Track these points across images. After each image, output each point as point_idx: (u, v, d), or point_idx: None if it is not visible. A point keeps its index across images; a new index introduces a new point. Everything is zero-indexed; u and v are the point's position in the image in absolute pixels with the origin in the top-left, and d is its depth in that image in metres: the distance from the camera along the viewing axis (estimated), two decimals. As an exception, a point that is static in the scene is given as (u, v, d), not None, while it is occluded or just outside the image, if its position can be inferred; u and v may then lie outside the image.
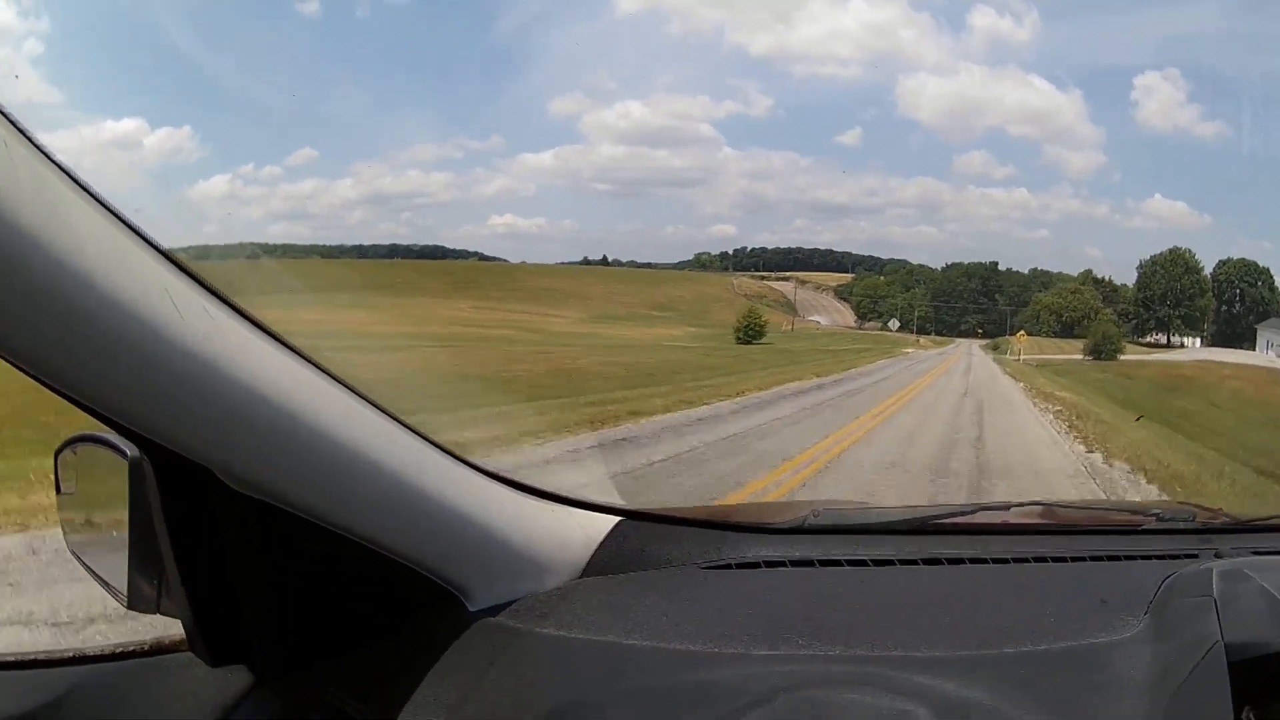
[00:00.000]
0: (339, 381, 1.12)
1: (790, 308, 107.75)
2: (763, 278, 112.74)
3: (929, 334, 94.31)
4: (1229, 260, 67.16)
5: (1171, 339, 70.14)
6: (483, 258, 70.49)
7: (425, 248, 67.39)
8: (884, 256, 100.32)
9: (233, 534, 1.16)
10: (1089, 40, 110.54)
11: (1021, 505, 1.92)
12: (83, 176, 0.88)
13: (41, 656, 1.38)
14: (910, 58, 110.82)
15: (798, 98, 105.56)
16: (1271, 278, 65.71)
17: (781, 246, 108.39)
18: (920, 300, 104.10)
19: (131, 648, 1.37)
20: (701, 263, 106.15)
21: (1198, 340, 64.19)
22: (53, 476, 1.42)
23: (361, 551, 1.18)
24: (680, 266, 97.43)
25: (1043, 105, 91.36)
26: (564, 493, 1.53)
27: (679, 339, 51.08)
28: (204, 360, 0.93)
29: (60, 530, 1.48)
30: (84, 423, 1.05)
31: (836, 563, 1.51)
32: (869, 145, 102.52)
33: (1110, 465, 12.22)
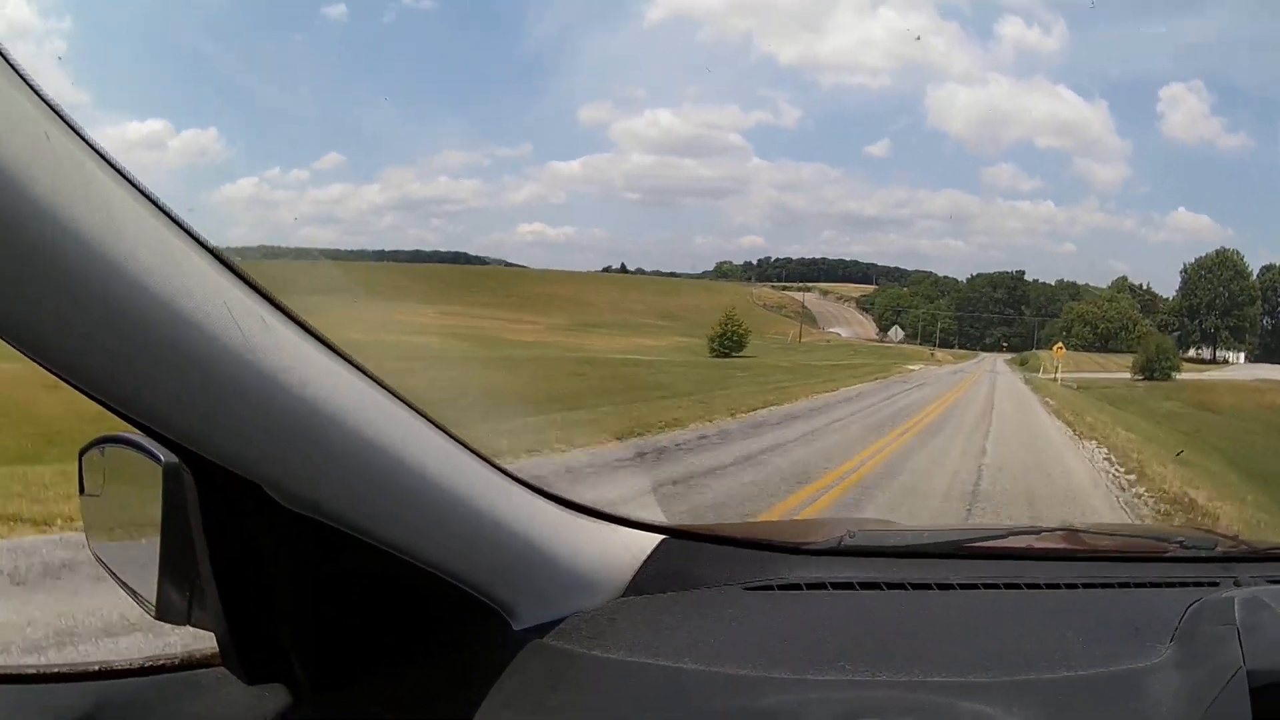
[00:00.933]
0: (394, 394, 1.06)
1: (810, 319, 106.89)
2: (784, 288, 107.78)
3: (952, 347, 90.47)
4: (1273, 266, 59.78)
5: (1217, 353, 60.83)
6: (506, 265, 68.08)
7: (449, 254, 66.16)
8: (911, 269, 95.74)
9: (275, 546, 1.10)
10: (1115, 50, 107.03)
11: (1050, 530, 1.91)
12: (131, 172, 0.82)
13: (66, 670, 1.31)
14: (939, 67, 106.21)
15: (826, 107, 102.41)
16: (1318, 284, 58.90)
17: (807, 257, 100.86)
18: (944, 312, 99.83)
19: (161, 661, 1.29)
20: (723, 272, 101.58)
21: (1241, 354, 57.84)
22: (77, 477, 1.33)
23: (407, 567, 1.13)
24: (704, 277, 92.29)
25: (1071, 116, 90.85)
26: (608, 510, 1.48)
27: (654, 350, 47.01)
28: (259, 372, 0.89)
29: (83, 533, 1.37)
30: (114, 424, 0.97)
31: (877, 586, 1.48)
32: (898, 156, 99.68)
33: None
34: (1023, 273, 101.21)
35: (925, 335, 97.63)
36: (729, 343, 49.60)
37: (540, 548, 1.29)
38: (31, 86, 0.76)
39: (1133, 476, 11.60)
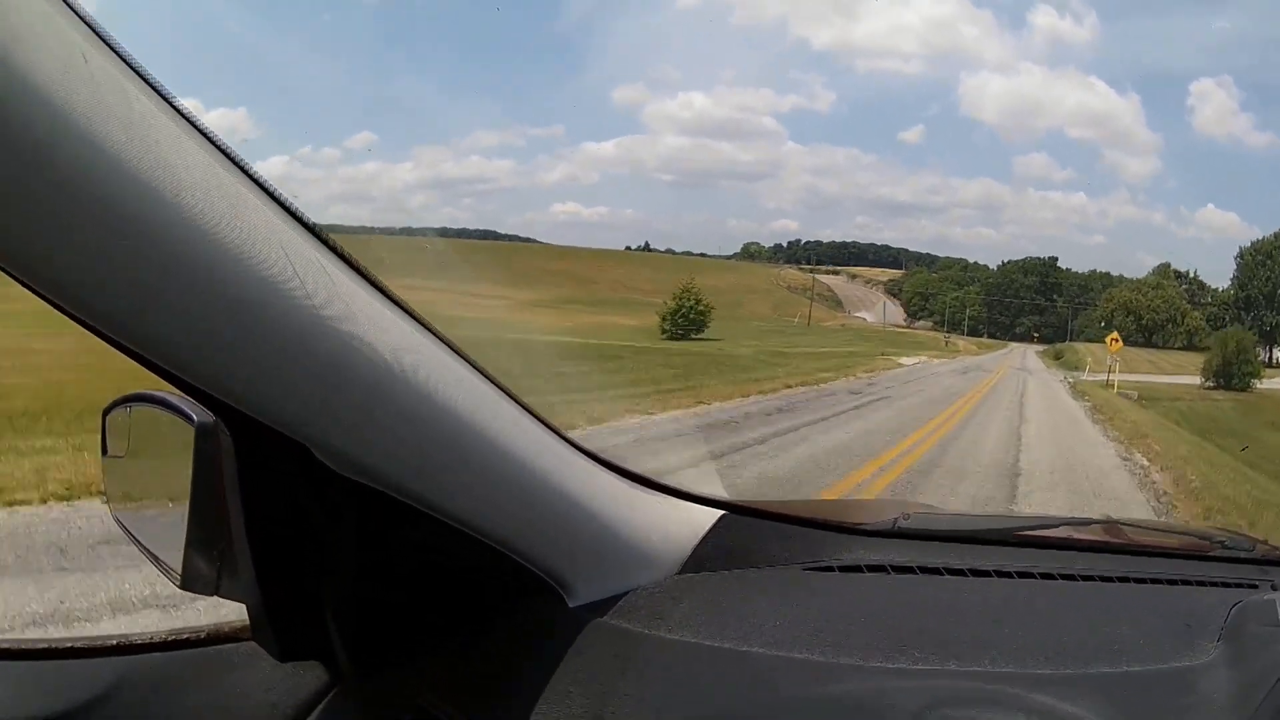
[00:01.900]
0: (458, 353, 1.00)
1: (836, 302, 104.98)
2: (812, 270, 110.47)
3: (980, 335, 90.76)
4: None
5: (1273, 354, 52.26)
6: (523, 240, 68.08)
7: (478, 232, 67.61)
8: (941, 256, 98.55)
9: (320, 513, 1.04)
10: (1147, 42, 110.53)
11: (1094, 521, 1.87)
12: (176, 98, 0.76)
13: (83, 644, 1.21)
14: (972, 54, 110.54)
15: (861, 93, 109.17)
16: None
17: (837, 240, 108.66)
18: (973, 298, 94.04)
19: (185, 635, 1.21)
20: (750, 253, 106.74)
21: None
22: (100, 438, 1.26)
23: (462, 540, 1.07)
24: (734, 259, 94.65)
25: (1102, 108, 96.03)
26: (671, 482, 1.42)
27: (613, 331, 41.62)
28: (317, 323, 0.82)
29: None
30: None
31: (937, 571, 1.43)
32: (931, 143, 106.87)
33: None
34: (1055, 259, 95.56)
35: (954, 322, 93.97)
36: (684, 323, 42.85)
37: (603, 520, 1.21)
38: (68, 3, 0.69)
39: None
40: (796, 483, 9.73)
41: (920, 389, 24.34)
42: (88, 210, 0.66)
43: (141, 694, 1.16)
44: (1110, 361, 33.40)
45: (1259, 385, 35.31)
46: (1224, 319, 61.93)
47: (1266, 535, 1.78)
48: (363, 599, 1.09)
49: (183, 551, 1.00)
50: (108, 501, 1.26)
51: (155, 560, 1.10)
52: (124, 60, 0.71)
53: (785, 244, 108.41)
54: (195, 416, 0.96)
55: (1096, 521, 1.86)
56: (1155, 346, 60.40)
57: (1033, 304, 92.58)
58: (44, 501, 6.51)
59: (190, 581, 1.01)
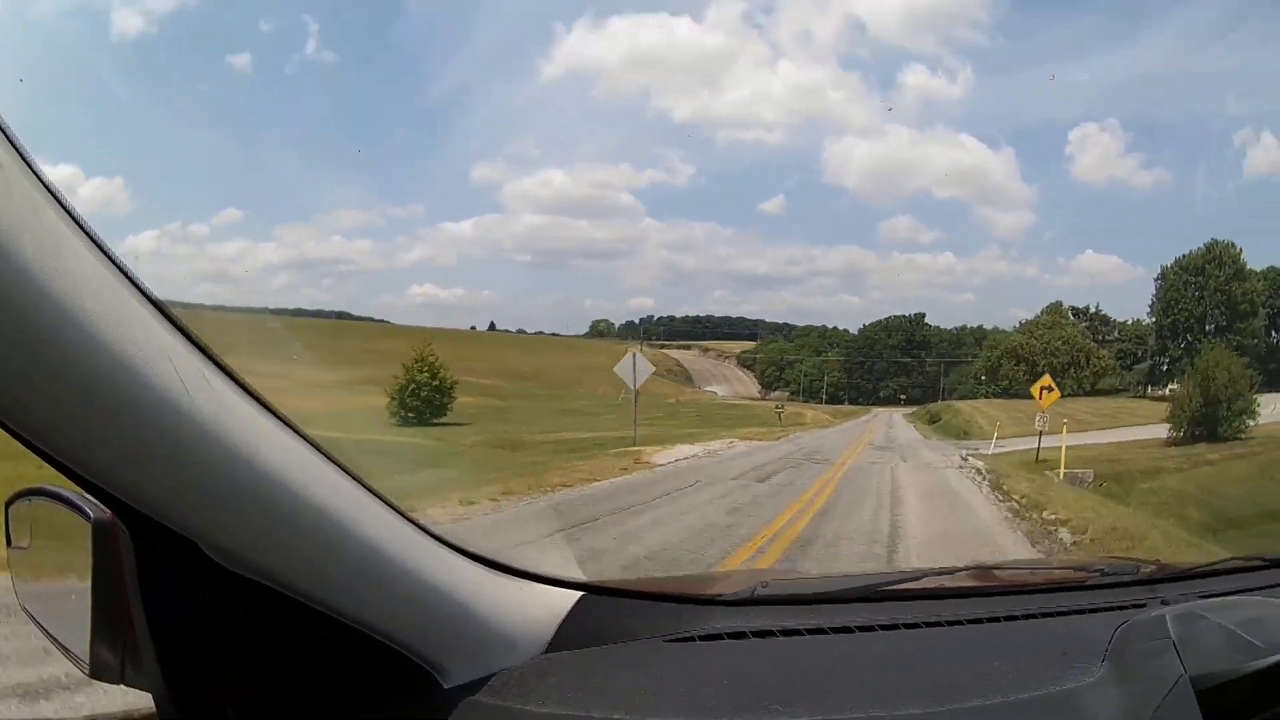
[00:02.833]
0: (327, 456, 1.06)
1: (686, 377, 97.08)
2: (663, 346, 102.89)
3: (841, 402, 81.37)
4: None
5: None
6: (387, 325, 66.51)
7: (332, 313, 65.98)
8: (801, 325, 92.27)
9: (212, 605, 1.07)
10: (1024, 95, 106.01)
11: (966, 569, 1.91)
12: (79, 212, 0.80)
13: None
14: (837, 120, 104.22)
15: (721, 165, 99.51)
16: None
17: (691, 315, 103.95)
18: (832, 364, 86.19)
19: (101, 718, 1.32)
20: (599, 331, 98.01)
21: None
22: (3, 528, 1.29)
23: (341, 628, 1.12)
24: (586, 337, 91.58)
25: (973, 164, 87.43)
26: (528, 567, 1.47)
27: (354, 415, 32.15)
28: (200, 429, 0.86)
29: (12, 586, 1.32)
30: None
31: (796, 632, 1.46)
32: (792, 213, 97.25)
33: None
34: (923, 315, 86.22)
35: (812, 391, 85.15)
36: (421, 404, 30.42)
37: (465, 606, 1.26)
38: None
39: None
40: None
41: (637, 527, 11.29)
42: None
43: None
44: (1039, 422, 21.05)
45: (1253, 424, 22.78)
46: (1136, 354, 51.81)
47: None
48: (259, 683, 1.12)
49: (89, 642, 1.05)
50: (16, 591, 1.26)
51: (63, 649, 1.15)
52: (37, 176, 0.76)
53: (638, 320, 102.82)
54: (91, 514, 1.01)
55: (966, 569, 1.89)
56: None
57: (898, 364, 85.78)
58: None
59: (97, 670, 1.07)
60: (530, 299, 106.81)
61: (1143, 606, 1.48)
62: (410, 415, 31.90)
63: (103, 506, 0.99)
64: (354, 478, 1.09)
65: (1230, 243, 41.43)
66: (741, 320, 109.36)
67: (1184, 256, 43.17)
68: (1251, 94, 77.72)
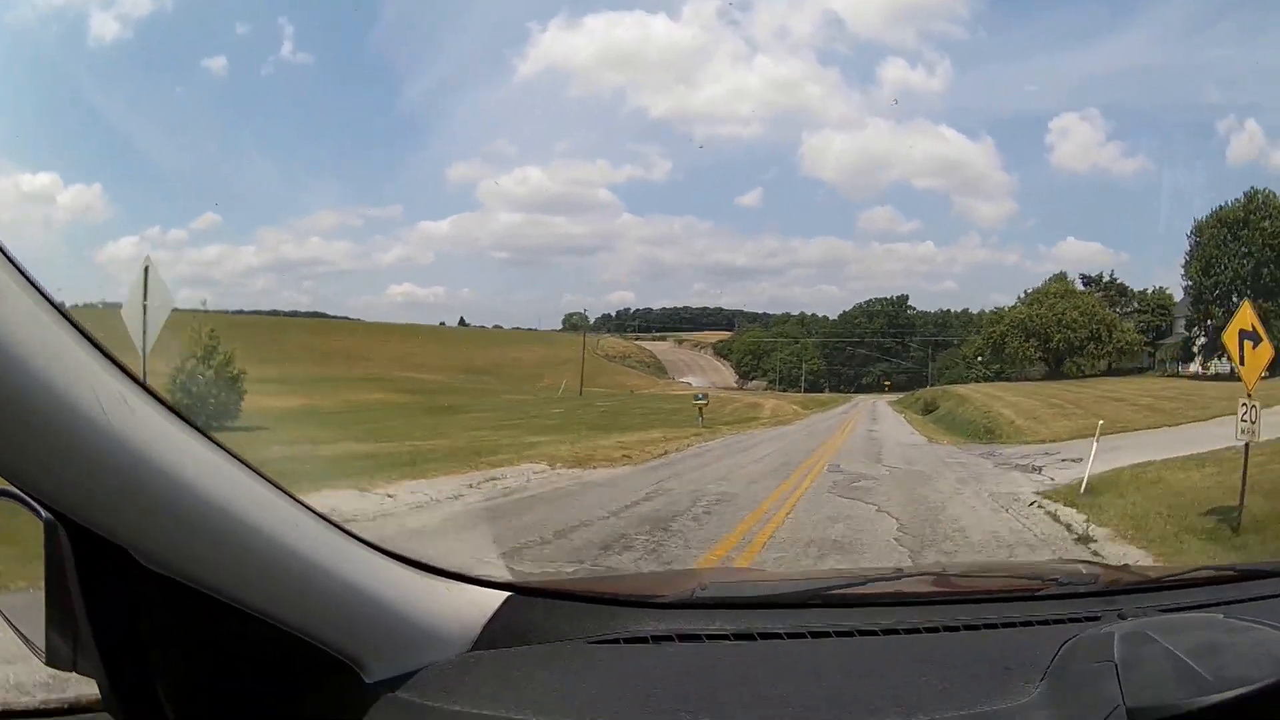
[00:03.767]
0: (243, 463, 1.09)
1: (659, 368, 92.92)
2: (637, 338, 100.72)
3: (821, 390, 75.64)
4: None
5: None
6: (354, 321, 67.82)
7: (308, 313, 66.66)
8: (779, 314, 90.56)
9: (146, 603, 1.10)
10: (1004, 86, 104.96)
11: (914, 575, 1.88)
12: (8, 248, 0.85)
13: None
14: (815, 114, 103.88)
15: (698, 159, 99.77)
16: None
17: (668, 307, 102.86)
18: (811, 352, 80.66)
19: (53, 705, 1.35)
20: (574, 324, 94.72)
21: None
22: None
23: (265, 625, 1.15)
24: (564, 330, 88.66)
25: (953, 156, 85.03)
26: (454, 568, 1.45)
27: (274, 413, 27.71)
28: (117, 446, 0.91)
29: None
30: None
31: (724, 637, 1.42)
32: (770, 206, 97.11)
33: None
34: (906, 297, 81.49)
35: (790, 379, 79.55)
36: (191, 400, 23.29)
37: (386, 604, 1.26)
38: None
39: None
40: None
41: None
42: None
43: None
44: (1247, 417, 10.04)
45: None
46: (1160, 326, 45.83)
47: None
48: (191, 675, 1.15)
49: (44, 631, 1.10)
50: None
51: (24, 638, 1.18)
52: None
53: (614, 314, 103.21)
54: (43, 514, 1.02)
55: (921, 574, 1.85)
56: (1067, 376, 42.13)
57: (881, 349, 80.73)
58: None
59: (52, 658, 1.10)
60: (508, 296, 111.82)
61: (1097, 620, 1.40)
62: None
63: (46, 509, 1.02)
64: (271, 483, 1.11)
65: (1269, 190, 35.14)
66: (720, 311, 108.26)
67: (1220, 209, 36.90)
68: (1231, 85, 79.08)
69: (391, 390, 39.69)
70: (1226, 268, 34.89)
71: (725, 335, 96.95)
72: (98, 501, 0.92)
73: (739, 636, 1.41)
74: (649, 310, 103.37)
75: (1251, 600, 1.51)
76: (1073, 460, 14.41)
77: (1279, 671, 1.03)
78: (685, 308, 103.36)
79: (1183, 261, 38.10)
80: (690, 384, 77.06)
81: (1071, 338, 44.79)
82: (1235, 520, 8.08)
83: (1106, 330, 45.83)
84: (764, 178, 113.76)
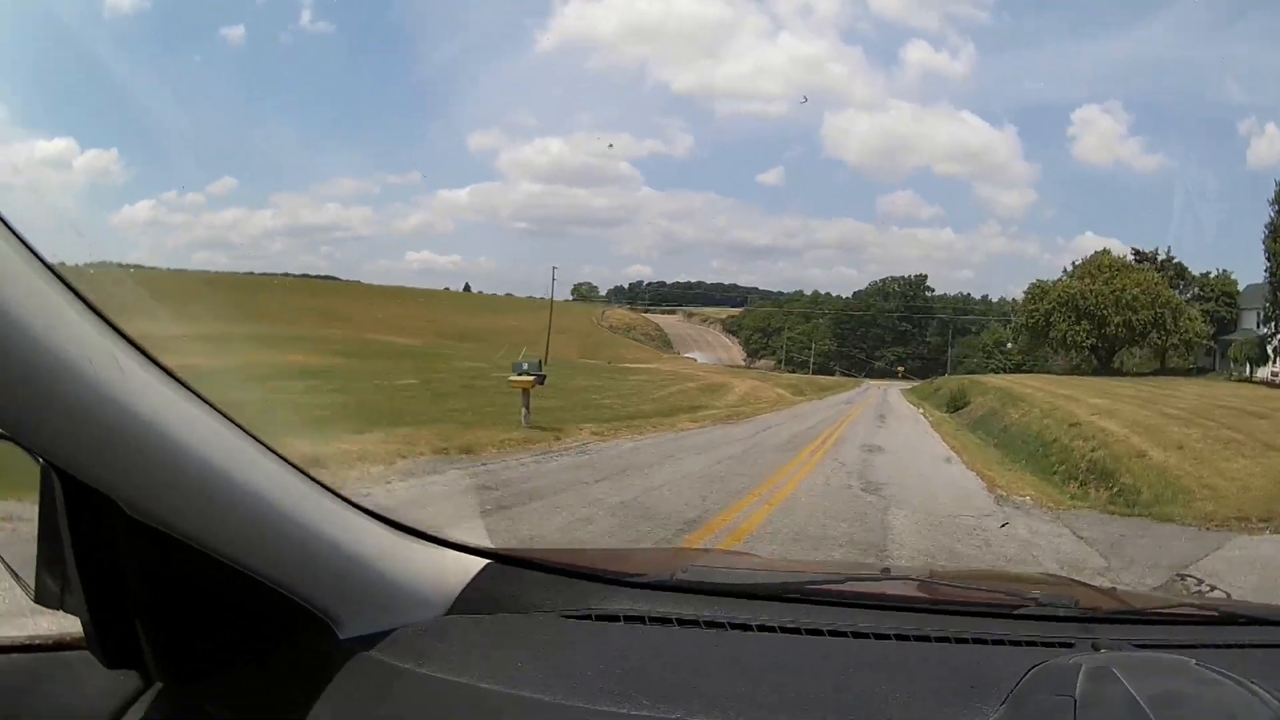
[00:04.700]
0: (229, 420, 1.11)
1: (664, 341, 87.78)
2: (646, 310, 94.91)
3: (832, 373, 68.73)
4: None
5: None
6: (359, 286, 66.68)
7: (320, 278, 65.49)
8: (792, 292, 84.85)
9: (130, 547, 1.14)
10: (1028, 74, 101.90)
11: (899, 577, 1.83)
12: (5, 212, 0.89)
13: None
14: (839, 94, 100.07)
15: (720, 136, 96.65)
16: None
17: (682, 281, 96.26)
18: (821, 332, 74.62)
19: (38, 641, 1.33)
20: (582, 294, 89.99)
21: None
22: None
23: (244, 575, 1.17)
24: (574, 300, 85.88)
25: (975, 142, 79.74)
26: (435, 531, 1.46)
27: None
28: (106, 401, 0.94)
29: None
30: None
31: (694, 623, 1.41)
32: (791, 185, 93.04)
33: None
34: (924, 277, 74.91)
35: (799, 360, 74.43)
36: None
37: (363, 564, 1.28)
38: None
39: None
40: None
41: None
42: None
43: (1, 687, 1.27)
44: None
45: None
46: (1226, 318, 37.10)
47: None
48: (169, 619, 1.17)
49: (35, 570, 1.14)
50: None
51: (15, 576, 1.22)
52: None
53: (627, 285, 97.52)
54: (40, 459, 1.05)
55: (898, 576, 1.79)
56: (1119, 373, 35.17)
57: (895, 331, 74.38)
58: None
59: (41, 596, 1.14)
60: (528, 267, 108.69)
61: (1070, 646, 1.37)
62: None
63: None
64: (255, 439, 1.13)
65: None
66: (735, 288, 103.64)
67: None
68: (1254, 85, 74.43)
69: (320, 353, 34.85)
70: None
71: (737, 312, 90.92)
72: (83, 452, 0.94)
73: (709, 624, 1.38)
74: (662, 284, 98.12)
75: (1228, 647, 1.44)
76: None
77: None
78: (700, 283, 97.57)
79: (1264, 236, 30.57)
80: (695, 359, 73.68)
81: (1134, 322, 35.91)
82: None
83: (1172, 316, 36.69)
84: (786, 157, 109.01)
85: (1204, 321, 36.69)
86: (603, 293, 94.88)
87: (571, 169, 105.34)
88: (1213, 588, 6.98)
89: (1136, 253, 39.57)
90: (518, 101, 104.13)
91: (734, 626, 1.39)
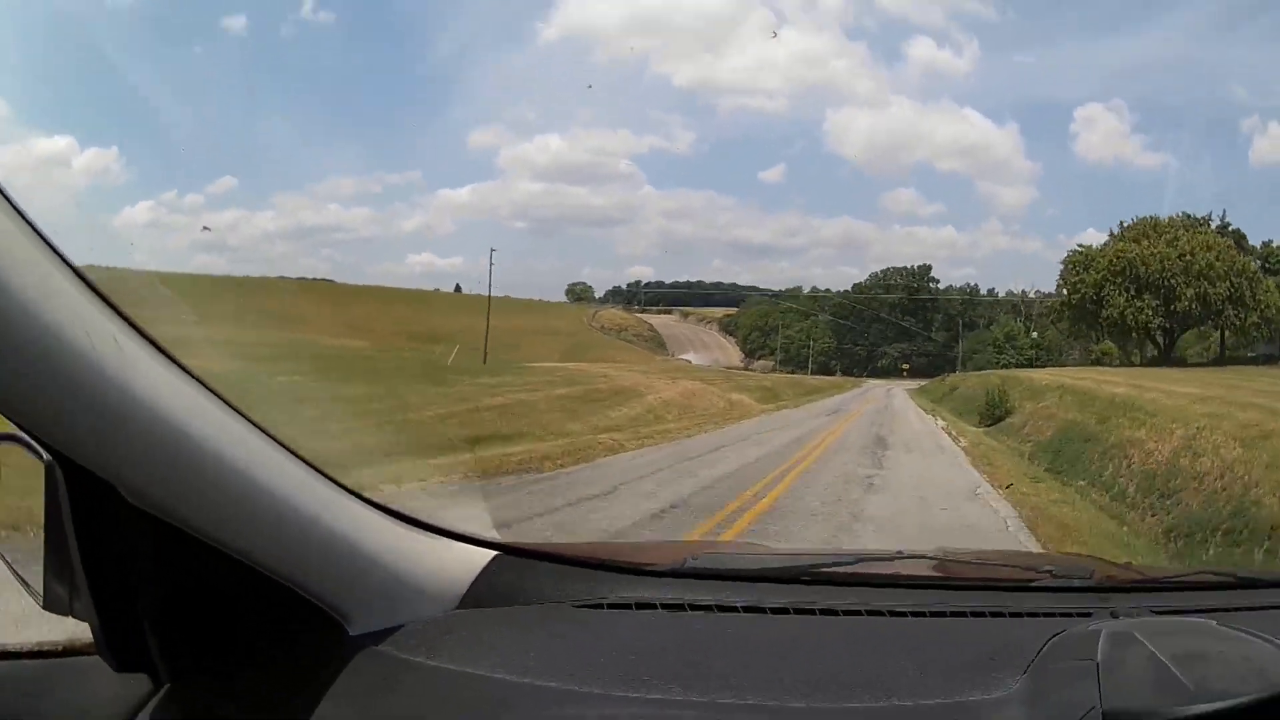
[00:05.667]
0: (234, 409, 1.08)
1: (658, 342, 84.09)
2: (642, 311, 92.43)
3: (832, 372, 63.63)
4: None
5: None
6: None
7: (315, 280, 66.59)
8: (790, 288, 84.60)
9: (138, 547, 1.10)
10: (1031, 72, 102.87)
11: (910, 557, 1.77)
12: (12, 193, 0.88)
13: None
14: (841, 90, 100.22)
15: (722, 132, 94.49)
16: None
17: (681, 281, 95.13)
18: (820, 330, 69.40)
19: (46, 647, 1.29)
20: (577, 294, 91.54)
21: None
22: None
23: (252, 572, 1.14)
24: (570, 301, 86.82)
25: (977, 139, 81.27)
26: (443, 525, 1.42)
27: None
28: (108, 383, 0.91)
29: None
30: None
31: (707, 608, 1.38)
32: (792, 182, 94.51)
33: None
34: (928, 268, 70.39)
35: (799, 359, 69.40)
36: None
37: (372, 558, 1.25)
38: None
39: None
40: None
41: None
42: None
43: (6, 696, 1.23)
44: None
45: None
46: None
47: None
48: (178, 619, 1.14)
49: (42, 575, 1.10)
50: None
51: (23, 583, 1.17)
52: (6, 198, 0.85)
53: (625, 286, 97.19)
54: (44, 456, 1.02)
55: (917, 556, 1.75)
56: (1181, 363, 28.43)
57: (898, 327, 70.39)
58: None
59: (49, 602, 1.10)
60: (528, 267, 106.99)
61: (1088, 616, 1.34)
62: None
63: (46, 450, 1.01)
64: (260, 429, 1.10)
65: None
66: (734, 287, 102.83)
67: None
68: (1258, 86, 76.24)
69: (248, 358, 30.16)
70: None
71: (734, 311, 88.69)
72: (84, 432, 0.92)
73: (723, 609, 1.37)
74: (660, 284, 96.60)
75: (1247, 609, 1.41)
76: None
77: (1263, 687, 0.98)
78: (699, 282, 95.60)
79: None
80: (689, 361, 69.38)
81: (1209, 295, 26.94)
82: None
83: (1249, 288, 28.04)
84: (787, 153, 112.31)
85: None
86: (600, 294, 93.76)
87: (571, 167, 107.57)
88: None
89: (1187, 217, 31.75)
90: (518, 97, 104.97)
91: (748, 610, 1.36)
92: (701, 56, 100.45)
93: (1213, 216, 32.27)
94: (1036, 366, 35.40)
